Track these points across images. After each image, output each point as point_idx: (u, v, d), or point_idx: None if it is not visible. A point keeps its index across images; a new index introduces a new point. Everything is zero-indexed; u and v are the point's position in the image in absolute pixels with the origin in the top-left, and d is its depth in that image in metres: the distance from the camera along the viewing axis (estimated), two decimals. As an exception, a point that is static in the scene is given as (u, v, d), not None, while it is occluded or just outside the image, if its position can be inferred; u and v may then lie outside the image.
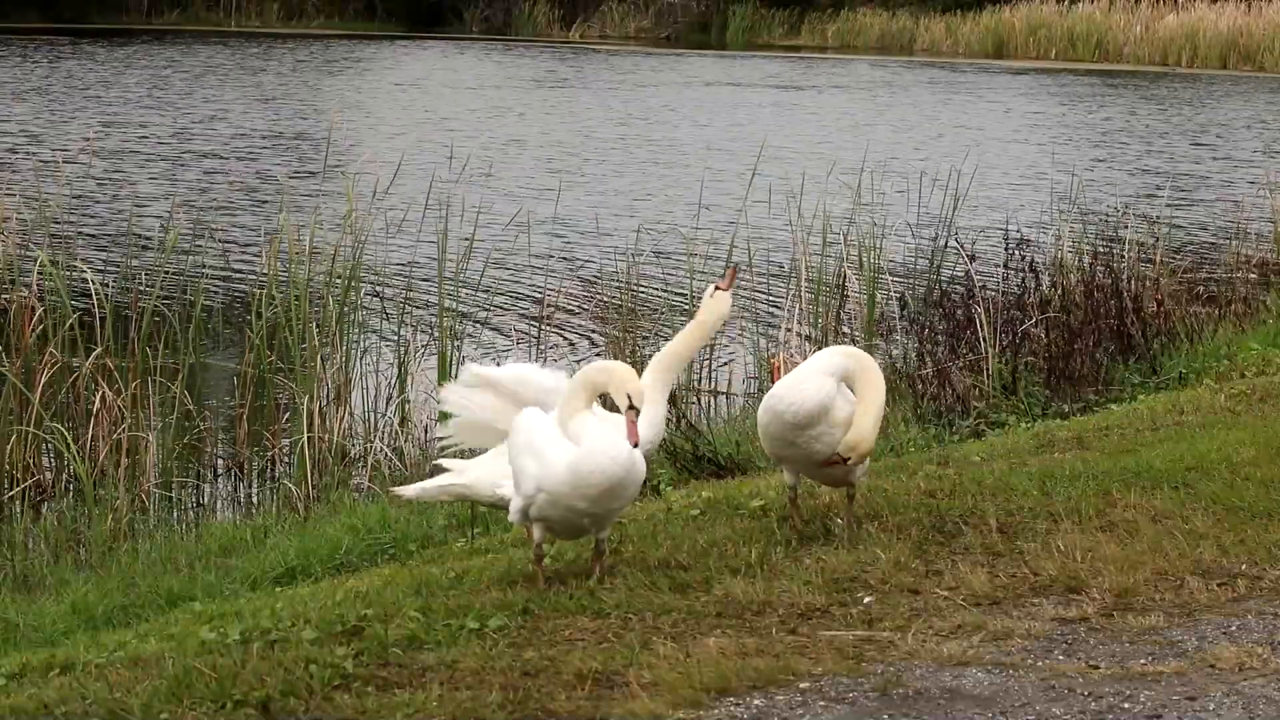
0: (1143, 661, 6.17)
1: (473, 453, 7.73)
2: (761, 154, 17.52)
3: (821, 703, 5.80)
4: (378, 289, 15.10)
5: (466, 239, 14.40)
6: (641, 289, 15.73)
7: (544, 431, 6.84)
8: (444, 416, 7.84)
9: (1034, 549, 7.28)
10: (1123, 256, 14.95)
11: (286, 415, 12.33)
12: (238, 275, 17.44)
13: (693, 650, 6.17)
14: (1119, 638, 6.41)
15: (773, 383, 7.54)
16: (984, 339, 12.64)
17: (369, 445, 11.90)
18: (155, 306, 12.65)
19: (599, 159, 29.11)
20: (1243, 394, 10.91)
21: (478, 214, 15.16)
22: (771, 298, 15.58)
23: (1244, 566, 7.16)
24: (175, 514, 11.24)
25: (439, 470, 7.77)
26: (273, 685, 5.80)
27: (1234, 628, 6.52)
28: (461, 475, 7.48)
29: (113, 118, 33.03)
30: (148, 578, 8.86)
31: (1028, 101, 42.63)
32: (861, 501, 8.00)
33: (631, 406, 6.67)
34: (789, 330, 13.81)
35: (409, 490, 7.67)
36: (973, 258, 14.13)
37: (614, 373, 6.84)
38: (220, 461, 12.27)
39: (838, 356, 7.42)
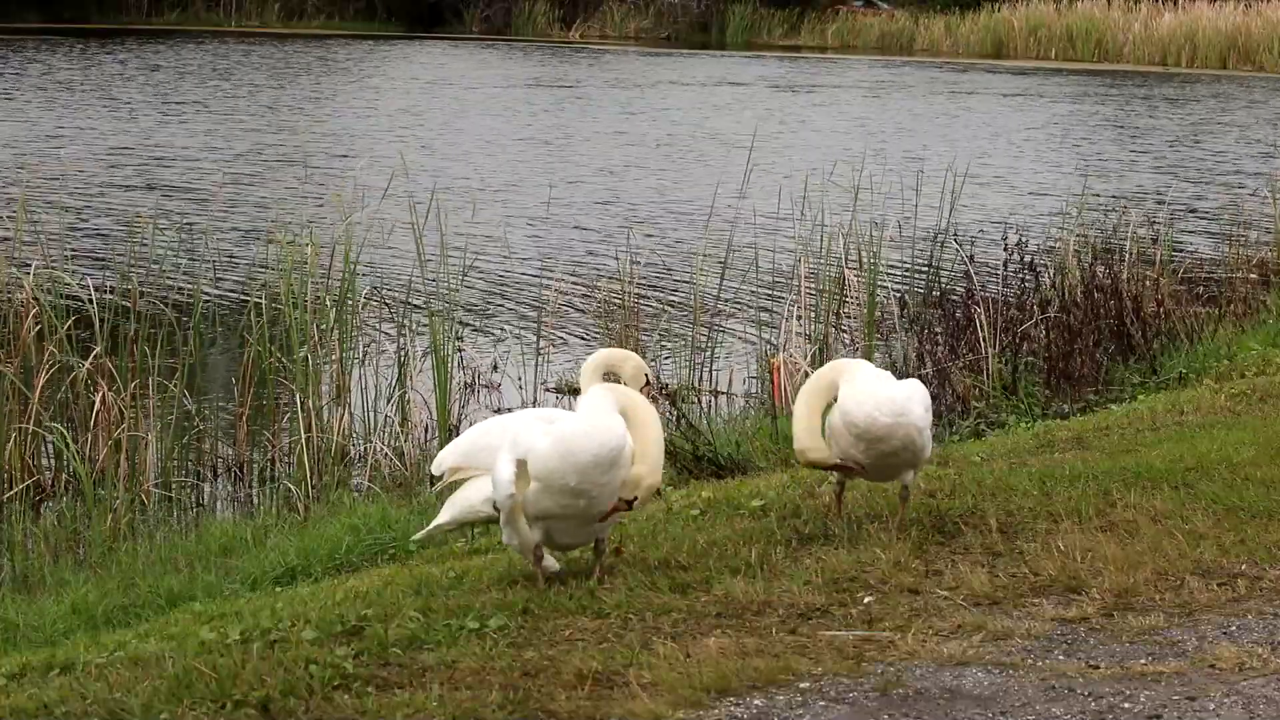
0: (1143, 661, 6.17)
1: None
2: (761, 154, 17.52)
3: (821, 703, 5.80)
4: (377, 288, 15.09)
5: (465, 239, 14.40)
6: (642, 288, 15.72)
7: (522, 430, 6.86)
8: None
9: (1034, 549, 7.28)
10: (1123, 256, 14.94)
11: (286, 415, 12.32)
12: (237, 275, 17.42)
13: (693, 650, 6.17)
14: (1119, 638, 6.41)
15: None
16: (984, 339, 12.64)
17: (369, 445, 11.90)
18: (155, 306, 12.64)
19: (599, 159, 29.10)
20: (1243, 394, 10.92)
21: (478, 214, 15.15)
22: (772, 298, 15.56)
23: (1244, 566, 7.16)
24: (175, 514, 11.22)
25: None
26: (273, 685, 5.80)
27: (1234, 628, 6.52)
28: (457, 502, 7.51)
29: (113, 117, 33.03)
30: (148, 578, 8.84)
31: (1027, 101, 42.60)
32: (862, 501, 8.00)
33: (648, 382, 7.30)
34: (789, 330, 13.80)
35: (424, 531, 7.72)
36: (972, 258, 14.13)
37: (628, 357, 7.38)
38: (220, 461, 12.25)
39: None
